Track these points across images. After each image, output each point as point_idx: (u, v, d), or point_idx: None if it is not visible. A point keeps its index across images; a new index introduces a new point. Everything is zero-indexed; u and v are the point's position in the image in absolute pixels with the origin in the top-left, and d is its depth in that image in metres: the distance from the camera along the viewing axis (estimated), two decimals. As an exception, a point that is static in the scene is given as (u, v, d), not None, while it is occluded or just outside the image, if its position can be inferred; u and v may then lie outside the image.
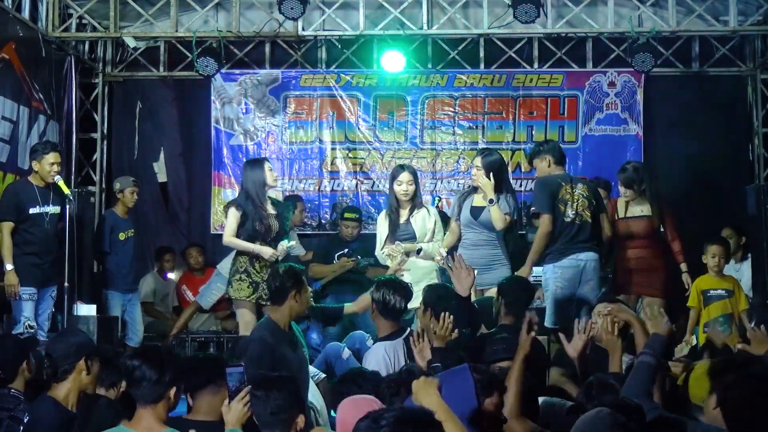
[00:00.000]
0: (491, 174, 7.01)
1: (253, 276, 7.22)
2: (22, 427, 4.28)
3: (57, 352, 4.42)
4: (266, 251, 7.18)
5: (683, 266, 7.58)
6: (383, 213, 7.71)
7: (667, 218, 7.54)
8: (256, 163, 7.62)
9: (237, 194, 10.03)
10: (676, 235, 7.55)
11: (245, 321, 7.20)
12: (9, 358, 4.90)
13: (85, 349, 4.47)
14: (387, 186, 10.24)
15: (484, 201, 7.02)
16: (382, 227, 7.55)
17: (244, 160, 10.19)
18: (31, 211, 7.31)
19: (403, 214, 7.45)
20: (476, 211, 7.09)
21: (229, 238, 7.35)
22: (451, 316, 4.87)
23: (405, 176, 7.44)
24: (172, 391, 3.76)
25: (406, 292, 5.67)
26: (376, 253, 7.65)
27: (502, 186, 7.11)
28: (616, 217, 7.50)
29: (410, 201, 7.46)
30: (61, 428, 4.16)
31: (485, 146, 9.83)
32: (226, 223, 7.43)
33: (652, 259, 7.45)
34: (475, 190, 7.19)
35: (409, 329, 5.69)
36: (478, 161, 7.16)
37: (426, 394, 3.35)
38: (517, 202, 7.32)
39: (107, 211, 8.94)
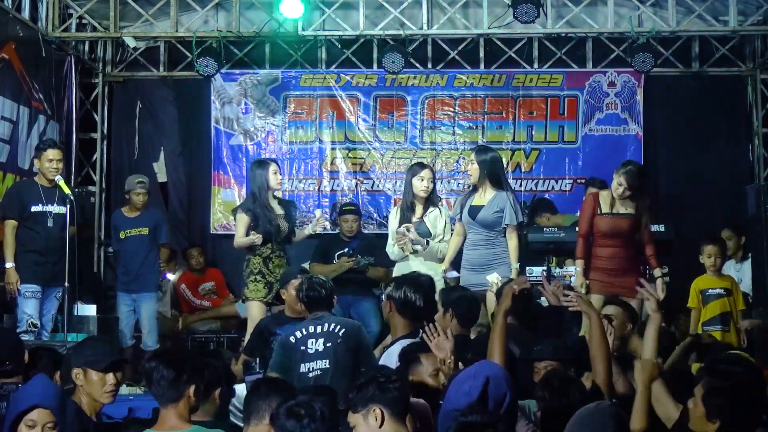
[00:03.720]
0: (486, 173, 7.06)
1: (267, 277, 7.28)
2: None
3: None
4: (257, 238, 7.26)
5: (657, 271, 7.02)
6: (395, 209, 7.65)
7: (648, 221, 7.08)
8: (262, 164, 7.60)
9: (236, 194, 10.23)
10: (652, 238, 7.08)
11: (253, 318, 7.21)
12: (17, 350, 4.89)
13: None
14: (386, 186, 10.37)
15: (483, 200, 7.04)
16: (394, 223, 7.47)
17: (244, 159, 10.27)
18: (33, 209, 7.32)
19: (418, 211, 7.37)
20: (473, 211, 7.06)
21: (237, 240, 7.39)
22: (455, 319, 4.80)
23: (427, 173, 7.39)
24: (191, 390, 3.79)
25: (426, 290, 5.65)
26: (387, 250, 7.51)
27: (501, 184, 7.12)
28: (599, 212, 6.98)
29: (427, 199, 7.38)
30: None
31: (483, 144, 9.83)
32: (236, 228, 7.45)
33: (629, 260, 6.97)
34: (475, 189, 7.18)
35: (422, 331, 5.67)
36: (472, 156, 7.26)
37: None
38: (517, 199, 7.23)
39: (115, 211, 8.86)
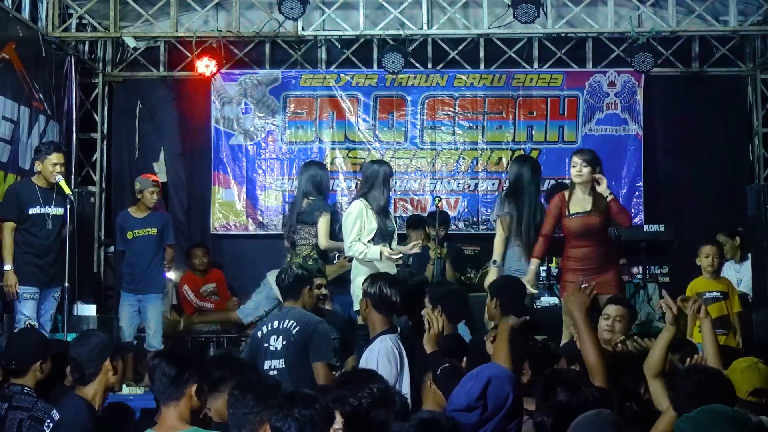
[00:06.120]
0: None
1: None
2: (48, 427, 4.20)
3: (82, 356, 4.29)
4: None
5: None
6: (362, 205, 7.05)
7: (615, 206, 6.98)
8: (325, 167, 7.66)
9: (236, 194, 10.22)
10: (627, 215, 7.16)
11: None
12: (28, 352, 4.83)
13: (109, 349, 4.36)
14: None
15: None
16: (370, 220, 7.04)
17: (244, 159, 10.27)
18: (31, 211, 7.30)
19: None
20: None
21: (328, 243, 7.29)
22: (443, 314, 4.87)
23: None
24: (193, 389, 3.71)
25: (401, 286, 5.63)
26: (350, 243, 6.99)
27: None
28: (567, 214, 6.93)
29: None
30: (91, 428, 4.11)
31: (486, 146, 9.95)
32: (321, 228, 7.28)
33: (602, 258, 6.90)
34: None
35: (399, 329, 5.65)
36: None
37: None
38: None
39: (121, 212, 8.76)
